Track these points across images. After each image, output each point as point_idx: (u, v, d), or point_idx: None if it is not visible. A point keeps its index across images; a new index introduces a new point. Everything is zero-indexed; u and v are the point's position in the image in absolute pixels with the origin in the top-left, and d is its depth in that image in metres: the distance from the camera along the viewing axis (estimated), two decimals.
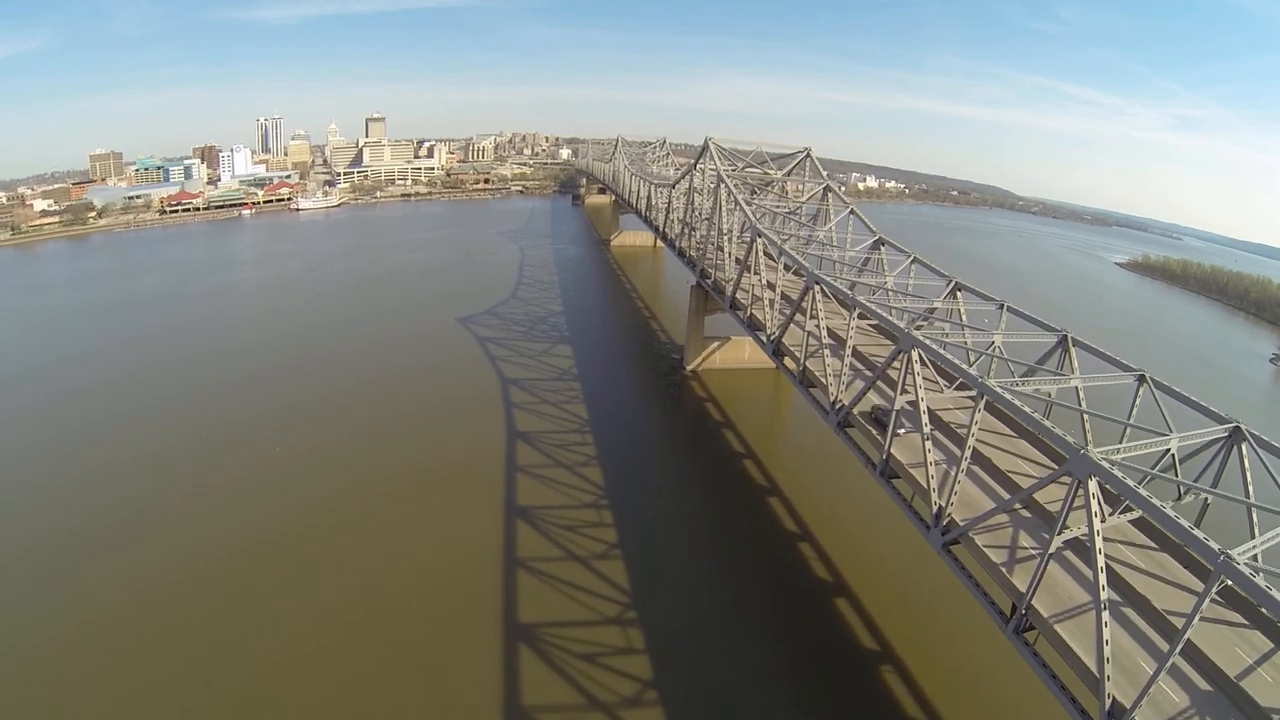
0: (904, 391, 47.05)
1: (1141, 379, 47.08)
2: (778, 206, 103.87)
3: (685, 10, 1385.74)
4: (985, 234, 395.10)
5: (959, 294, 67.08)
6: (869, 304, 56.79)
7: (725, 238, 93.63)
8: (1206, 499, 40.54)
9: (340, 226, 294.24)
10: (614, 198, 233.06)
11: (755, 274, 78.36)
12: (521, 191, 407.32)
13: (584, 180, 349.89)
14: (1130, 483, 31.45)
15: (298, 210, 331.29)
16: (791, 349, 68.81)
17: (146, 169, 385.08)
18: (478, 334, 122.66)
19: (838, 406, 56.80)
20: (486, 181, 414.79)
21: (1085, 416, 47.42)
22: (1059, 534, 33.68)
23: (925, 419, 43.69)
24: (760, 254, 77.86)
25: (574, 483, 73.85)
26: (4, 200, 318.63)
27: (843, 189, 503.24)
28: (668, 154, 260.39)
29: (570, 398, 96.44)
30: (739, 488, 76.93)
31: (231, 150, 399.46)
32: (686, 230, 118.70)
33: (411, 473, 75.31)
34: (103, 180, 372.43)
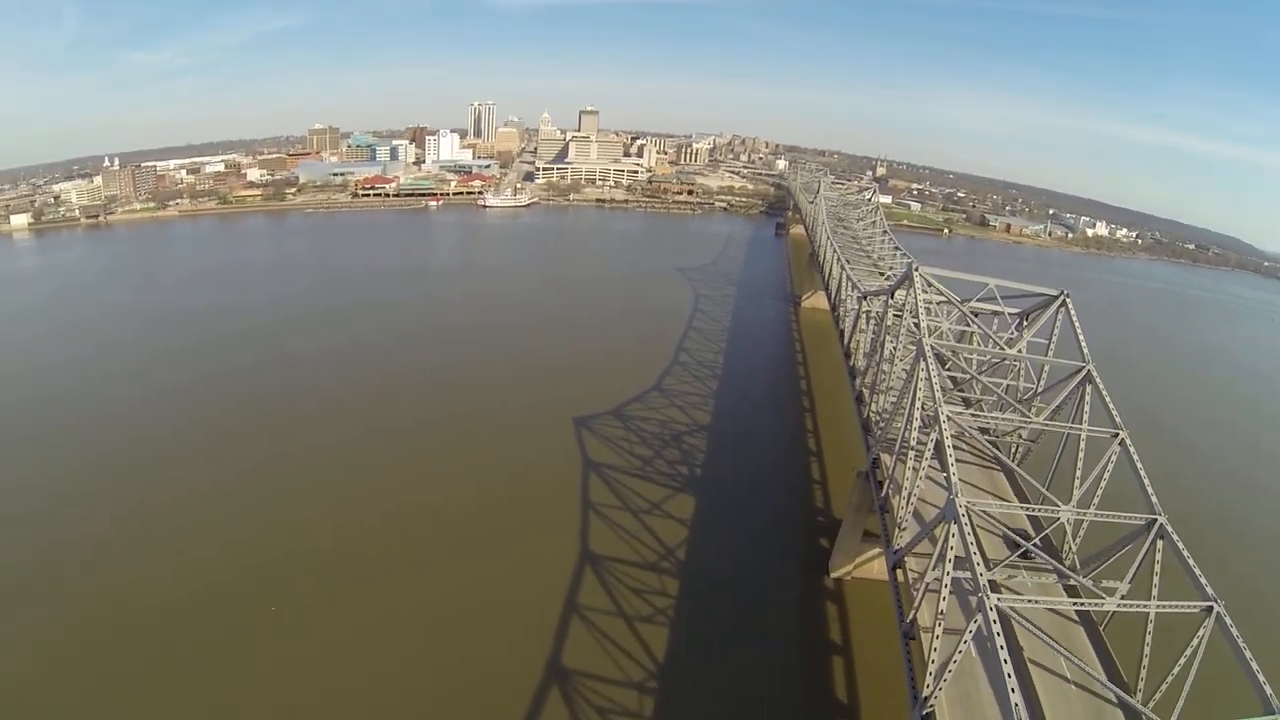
0: None
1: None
2: (997, 383, 70.77)
3: (912, 19, 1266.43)
4: (1233, 314, 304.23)
5: None
6: None
7: (912, 435, 62.65)
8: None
9: (522, 236, 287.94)
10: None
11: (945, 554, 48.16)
12: (725, 209, 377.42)
13: (792, 204, 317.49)
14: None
15: (485, 207, 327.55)
16: None
17: (357, 146, 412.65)
18: (588, 452, 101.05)
19: None
20: (690, 192, 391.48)
21: None
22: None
23: None
24: (954, 536, 47.58)
25: None
26: (223, 169, 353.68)
27: (1069, 235, 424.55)
28: (874, 202, 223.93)
29: (658, 609, 71.39)
30: None
31: (439, 134, 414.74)
32: (872, 369, 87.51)
33: None
34: (317, 154, 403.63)
